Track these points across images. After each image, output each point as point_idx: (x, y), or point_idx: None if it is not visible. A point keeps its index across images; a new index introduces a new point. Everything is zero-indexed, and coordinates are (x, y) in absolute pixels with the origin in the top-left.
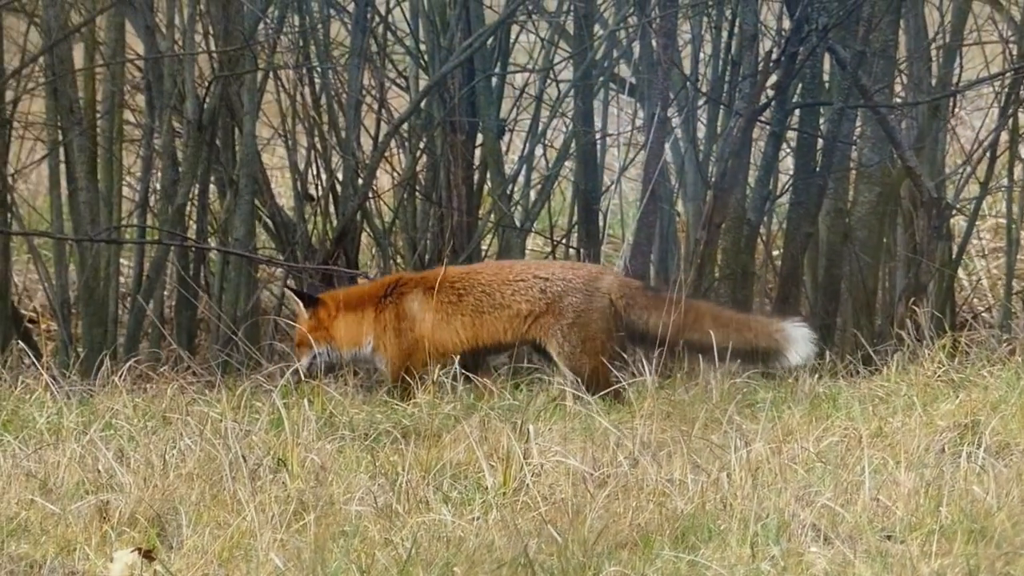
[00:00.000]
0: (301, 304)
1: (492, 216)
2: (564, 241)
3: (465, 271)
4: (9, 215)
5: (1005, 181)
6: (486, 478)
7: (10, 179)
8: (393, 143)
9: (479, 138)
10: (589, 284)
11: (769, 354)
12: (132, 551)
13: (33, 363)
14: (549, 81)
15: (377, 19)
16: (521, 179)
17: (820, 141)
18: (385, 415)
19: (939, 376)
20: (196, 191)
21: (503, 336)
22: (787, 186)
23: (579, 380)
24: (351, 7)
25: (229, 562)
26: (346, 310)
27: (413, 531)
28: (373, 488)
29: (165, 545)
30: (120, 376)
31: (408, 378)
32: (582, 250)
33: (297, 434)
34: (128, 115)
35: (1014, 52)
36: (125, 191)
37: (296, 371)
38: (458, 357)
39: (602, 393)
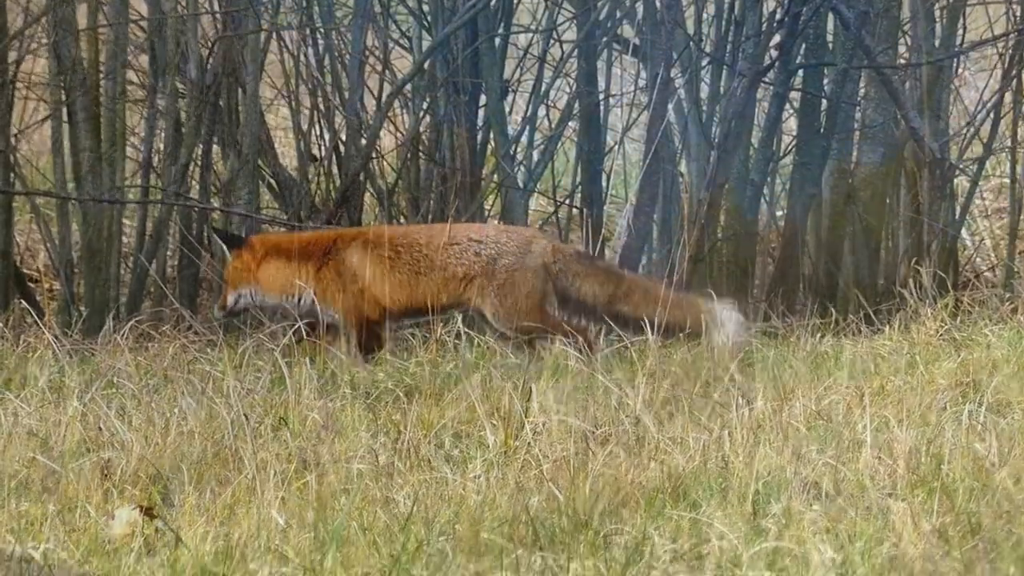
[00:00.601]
0: (224, 246)
1: (495, 176)
2: (567, 202)
3: (403, 231)
4: (12, 175)
5: (1008, 142)
6: (487, 437)
7: (13, 139)
8: (396, 104)
9: (482, 99)
10: (523, 246)
11: (698, 333)
12: (133, 509)
13: (35, 322)
14: (552, 42)
15: None
16: (524, 140)
17: (824, 102)
18: (387, 374)
19: (941, 335)
20: (199, 151)
21: (438, 299)
22: (790, 147)
23: (522, 341)
24: None
25: (230, 520)
26: (278, 257)
27: (415, 489)
28: (375, 446)
29: (167, 503)
30: (122, 335)
31: (367, 329)
32: (585, 210)
33: (299, 393)
34: (131, 75)
35: (1017, 13)
36: (128, 151)
37: (222, 307)
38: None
39: (594, 354)
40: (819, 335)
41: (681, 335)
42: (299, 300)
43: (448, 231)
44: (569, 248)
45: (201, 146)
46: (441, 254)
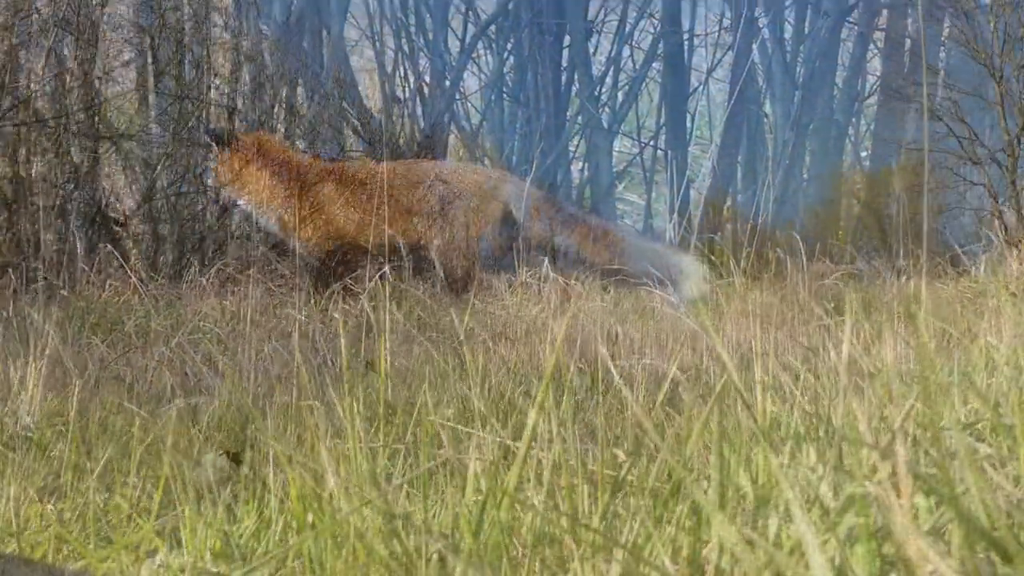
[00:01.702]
0: (214, 143)
1: (579, 118)
2: (651, 143)
3: (376, 170)
4: (97, 118)
5: None
6: (574, 381)
7: (97, 82)
8: (480, 45)
9: (566, 39)
10: (484, 189)
11: (664, 284)
12: (220, 454)
13: (121, 266)
14: None
15: None
16: (608, 80)
17: (908, 42)
18: (474, 318)
19: None
20: (284, 93)
21: (405, 237)
22: (875, 87)
23: (448, 277)
24: None
25: (318, 466)
26: (263, 166)
27: (501, 435)
28: (463, 391)
29: (253, 449)
30: (208, 279)
31: (336, 263)
32: (669, 152)
33: (385, 337)
34: (215, 17)
35: None
36: (212, 94)
37: (215, 201)
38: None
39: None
40: (905, 277)
41: (650, 285)
42: (274, 223)
43: (419, 171)
44: (539, 193)
45: (285, 88)
46: (410, 193)
